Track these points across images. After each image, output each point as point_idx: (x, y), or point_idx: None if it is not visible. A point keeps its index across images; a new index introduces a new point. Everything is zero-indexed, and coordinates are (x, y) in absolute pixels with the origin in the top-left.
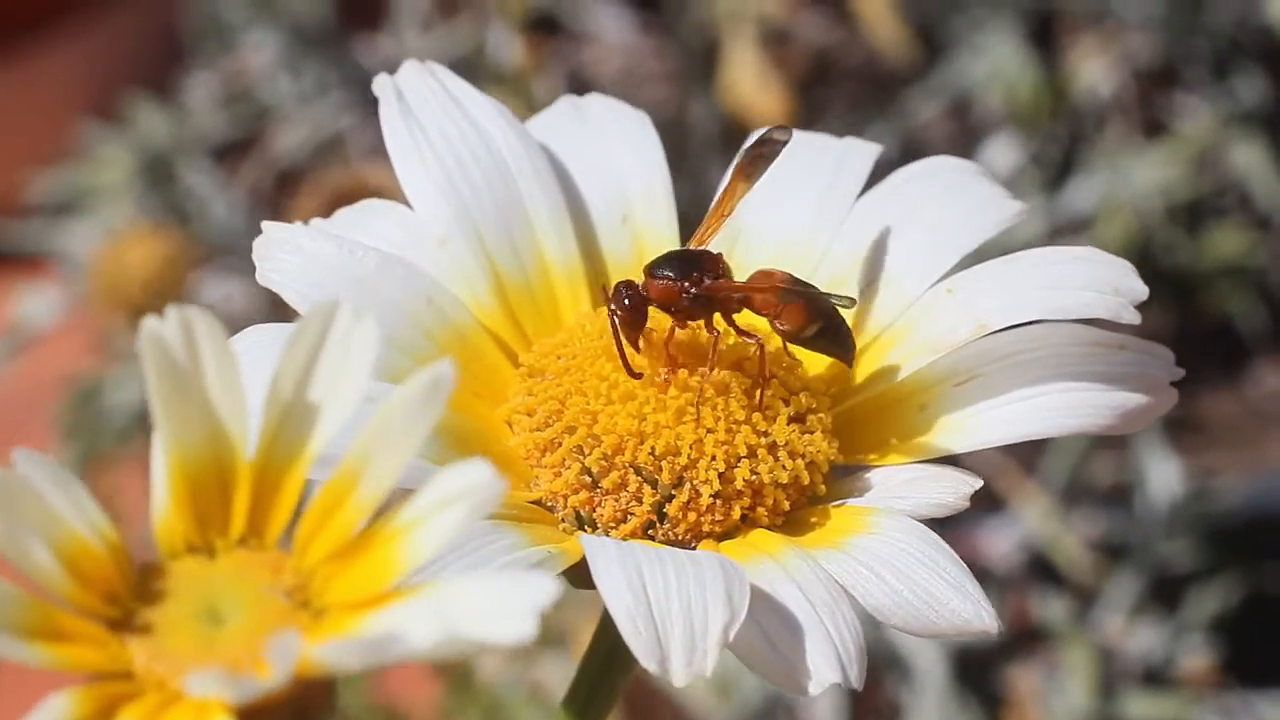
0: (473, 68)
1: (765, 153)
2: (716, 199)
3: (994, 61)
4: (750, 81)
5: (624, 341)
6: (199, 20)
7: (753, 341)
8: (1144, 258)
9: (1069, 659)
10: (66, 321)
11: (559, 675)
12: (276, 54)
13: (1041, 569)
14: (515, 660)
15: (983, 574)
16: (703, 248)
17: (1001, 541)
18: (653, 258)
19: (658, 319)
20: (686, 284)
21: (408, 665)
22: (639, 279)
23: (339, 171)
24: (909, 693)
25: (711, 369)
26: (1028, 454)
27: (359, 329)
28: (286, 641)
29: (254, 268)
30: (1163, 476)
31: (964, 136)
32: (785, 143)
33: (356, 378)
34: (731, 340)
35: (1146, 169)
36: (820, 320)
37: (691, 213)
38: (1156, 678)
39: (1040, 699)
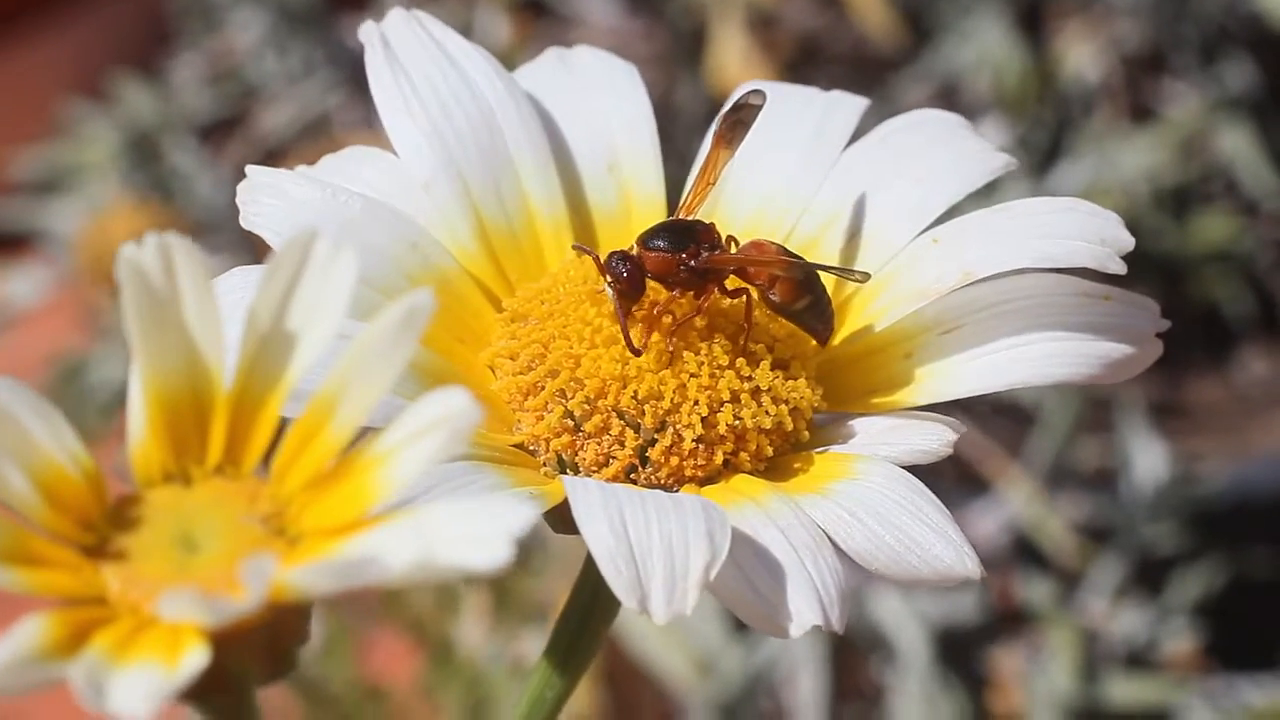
0: None
1: (743, 118)
2: (699, 167)
3: (982, 46)
4: (737, 65)
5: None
6: (185, 0)
7: (739, 299)
8: None
9: (1053, 641)
10: (51, 300)
11: (539, 650)
12: (263, 33)
13: (1026, 551)
14: (497, 634)
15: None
16: (694, 218)
17: (986, 524)
18: (639, 211)
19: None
20: (684, 256)
21: (390, 639)
22: (626, 231)
23: (324, 144)
24: (892, 673)
25: (696, 312)
26: (1013, 436)
27: (337, 259)
28: (261, 562)
29: (241, 245)
30: (1148, 460)
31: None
32: (761, 107)
33: (334, 307)
34: (725, 304)
35: (1133, 154)
36: (810, 295)
37: (679, 192)
38: (1140, 660)
39: (1023, 681)
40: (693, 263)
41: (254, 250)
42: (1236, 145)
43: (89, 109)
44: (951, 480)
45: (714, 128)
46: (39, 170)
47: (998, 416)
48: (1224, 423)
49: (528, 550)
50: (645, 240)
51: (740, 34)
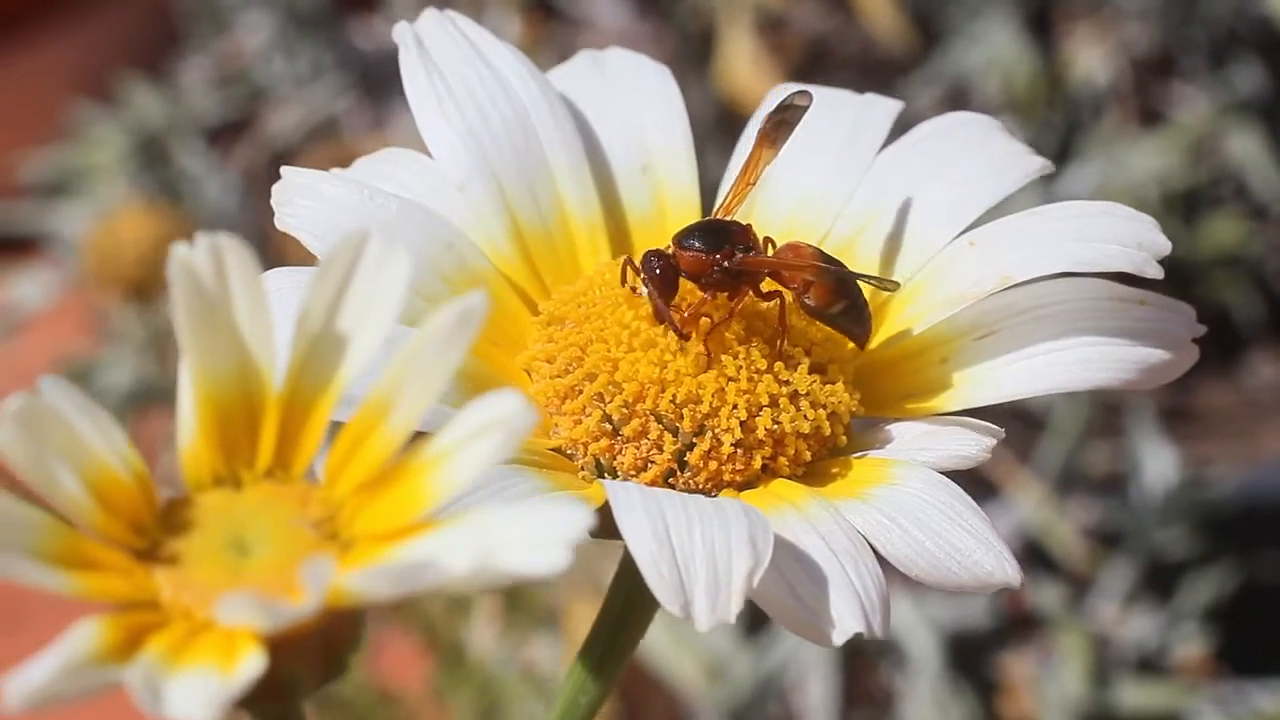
0: None
1: (788, 119)
2: (742, 166)
3: (991, 49)
4: (746, 68)
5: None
6: (193, 2)
7: (774, 301)
8: None
9: (1063, 646)
10: (59, 303)
11: (550, 655)
12: (271, 36)
13: (1036, 556)
14: (507, 639)
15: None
16: (731, 218)
17: (996, 528)
18: (674, 212)
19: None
20: (718, 256)
21: (400, 646)
22: (661, 232)
23: (333, 147)
24: (902, 678)
25: (731, 315)
26: (1023, 441)
27: (390, 258)
28: (320, 566)
29: (249, 247)
30: (1158, 465)
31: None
32: (807, 108)
33: (387, 308)
34: (762, 307)
35: (1143, 158)
36: (846, 299)
37: (709, 194)
38: (1150, 666)
39: (1034, 686)
40: (727, 264)
41: (264, 253)
42: (1246, 149)
43: (96, 111)
44: (962, 485)
45: (760, 126)
46: (47, 173)
47: (1008, 421)
48: (1233, 427)
49: None
50: (680, 239)
51: (749, 37)
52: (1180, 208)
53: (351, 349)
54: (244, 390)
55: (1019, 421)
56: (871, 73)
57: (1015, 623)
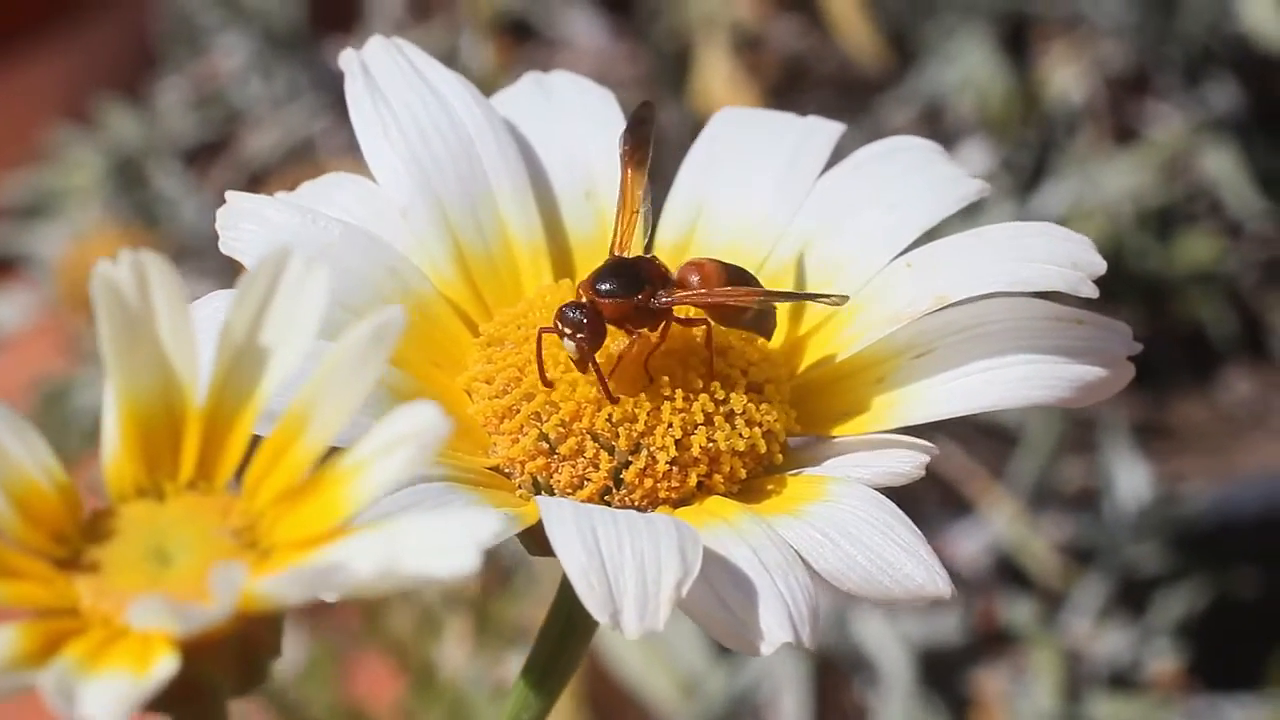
0: None
1: (643, 134)
2: (620, 196)
3: (966, 68)
4: (722, 87)
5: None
6: (171, 24)
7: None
8: (1115, 263)
9: (1036, 662)
10: (36, 324)
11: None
12: (248, 57)
13: (1009, 572)
14: (479, 657)
15: (950, 577)
16: (640, 255)
17: (969, 544)
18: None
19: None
20: (639, 298)
21: (373, 663)
22: (601, 256)
23: (308, 168)
24: (875, 695)
25: (656, 349)
26: (996, 457)
27: (310, 276)
28: (230, 571)
29: (225, 270)
30: (1131, 481)
31: (937, 142)
32: (653, 120)
33: (307, 324)
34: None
35: (1118, 175)
36: (751, 311)
37: (659, 214)
38: (1123, 681)
39: (1007, 702)
40: (650, 304)
41: (238, 274)
42: (1220, 166)
43: (74, 134)
44: (934, 501)
45: (619, 150)
46: (24, 195)
47: (981, 437)
48: (1208, 443)
49: (510, 573)
50: (595, 285)
51: (725, 57)
52: (1155, 225)
53: (272, 364)
54: (167, 404)
55: (992, 438)
56: (847, 92)
57: (988, 639)
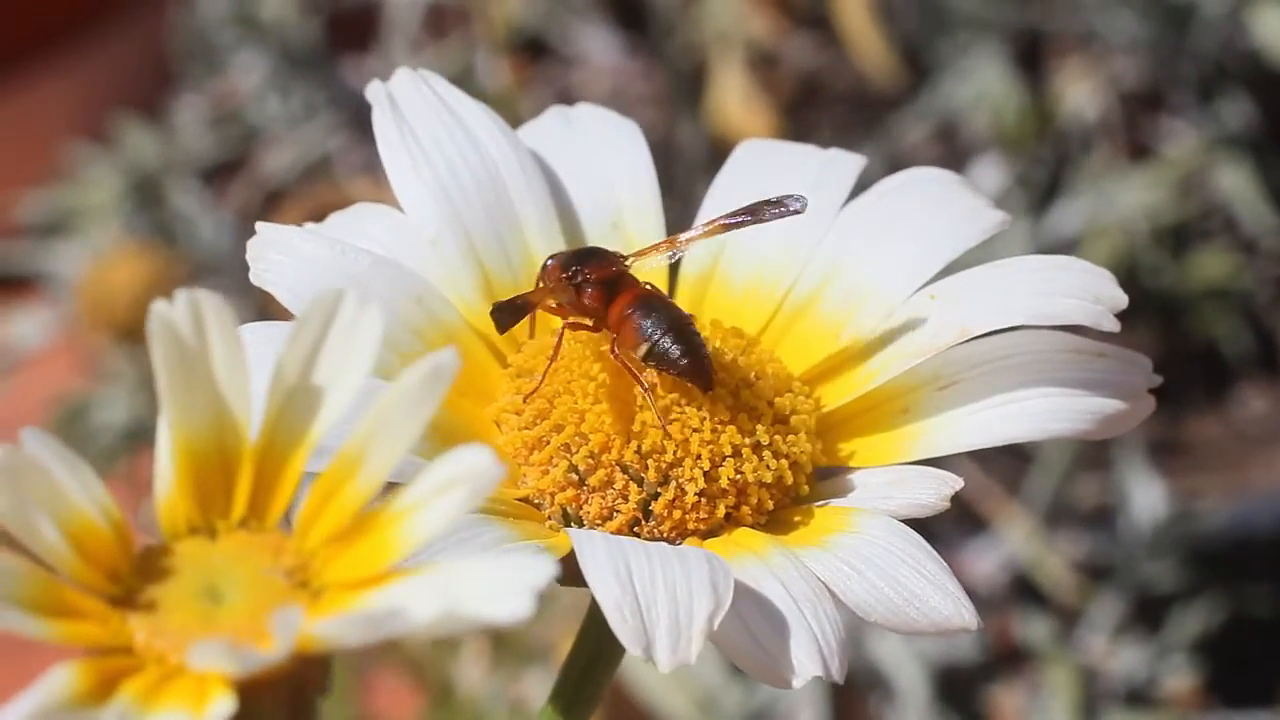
0: (460, 89)
1: (756, 218)
2: (701, 225)
3: (980, 85)
4: (738, 104)
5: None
6: (188, 43)
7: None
8: (1129, 280)
9: (1052, 679)
10: (55, 342)
11: (539, 690)
12: (265, 76)
13: (1025, 590)
14: (497, 674)
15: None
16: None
17: (985, 562)
18: (643, 266)
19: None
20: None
21: (391, 680)
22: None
23: (324, 188)
24: (891, 712)
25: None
26: (1011, 475)
27: (364, 317)
28: (289, 614)
29: (242, 288)
30: (1147, 498)
31: (951, 159)
32: (785, 215)
33: (360, 364)
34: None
35: (1132, 192)
36: (645, 342)
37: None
38: (1139, 698)
39: (1023, 719)
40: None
41: (257, 295)
42: (1235, 183)
43: (92, 152)
44: (950, 519)
45: (740, 211)
46: (43, 213)
47: (997, 455)
48: (1223, 460)
49: None
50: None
51: (740, 74)
52: (1169, 241)
53: (325, 403)
54: (220, 442)
55: (1008, 455)
56: (862, 108)
57: (1004, 656)
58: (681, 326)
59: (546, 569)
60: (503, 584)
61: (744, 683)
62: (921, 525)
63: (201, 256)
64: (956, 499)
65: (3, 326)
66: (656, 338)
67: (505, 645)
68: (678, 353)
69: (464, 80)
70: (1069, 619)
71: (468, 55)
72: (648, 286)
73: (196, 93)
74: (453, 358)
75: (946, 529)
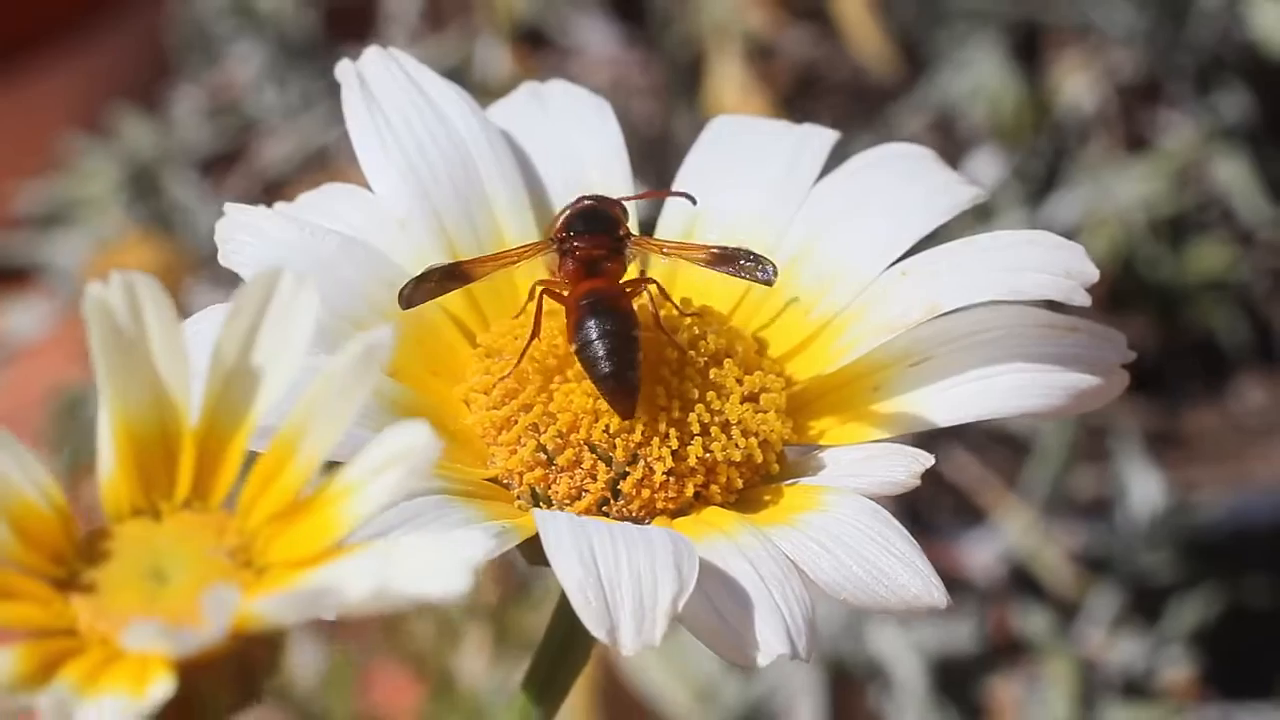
0: (460, 80)
1: (737, 265)
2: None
3: (978, 76)
4: (735, 96)
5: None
6: (185, 34)
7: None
8: (1127, 272)
9: (1050, 671)
10: (53, 333)
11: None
12: (262, 66)
13: (1022, 581)
14: (499, 665)
15: (964, 586)
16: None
17: (982, 554)
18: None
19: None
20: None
21: (391, 672)
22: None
23: (322, 178)
24: (890, 704)
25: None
26: (1008, 466)
27: (300, 295)
28: (222, 593)
29: (240, 279)
30: (1144, 490)
31: (948, 151)
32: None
33: (298, 343)
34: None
35: (1129, 184)
36: (577, 340)
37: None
38: (1137, 690)
39: (1021, 710)
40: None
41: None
42: (1232, 174)
43: (90, 143)
44: (948, 510)
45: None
46: (41, 204)
47: (994, 446)
48: (1221, 451)
49: (528, 582)
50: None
51: (738, 65)
52: (1167, 233)
53: (265, 384)
54: (161, 424)
55: (1005, 446)
56: (859, 100)
57: (1002, 647)
58: (622, 342)
59: (484, 546)
60: (439, 560)
61: (742, 674)
62: (918, 515)
63: (200, 247)
64: (953, 490)
65: (2, 317)
66: (590, 340)
67: (507, 637)
68: (605, 369)
69: (463, 71)
70: (1067, 610)
71: (466, 46)
72: (639, 274)
73: (194, 84)
74: (387, 336)
75: (944, 520)
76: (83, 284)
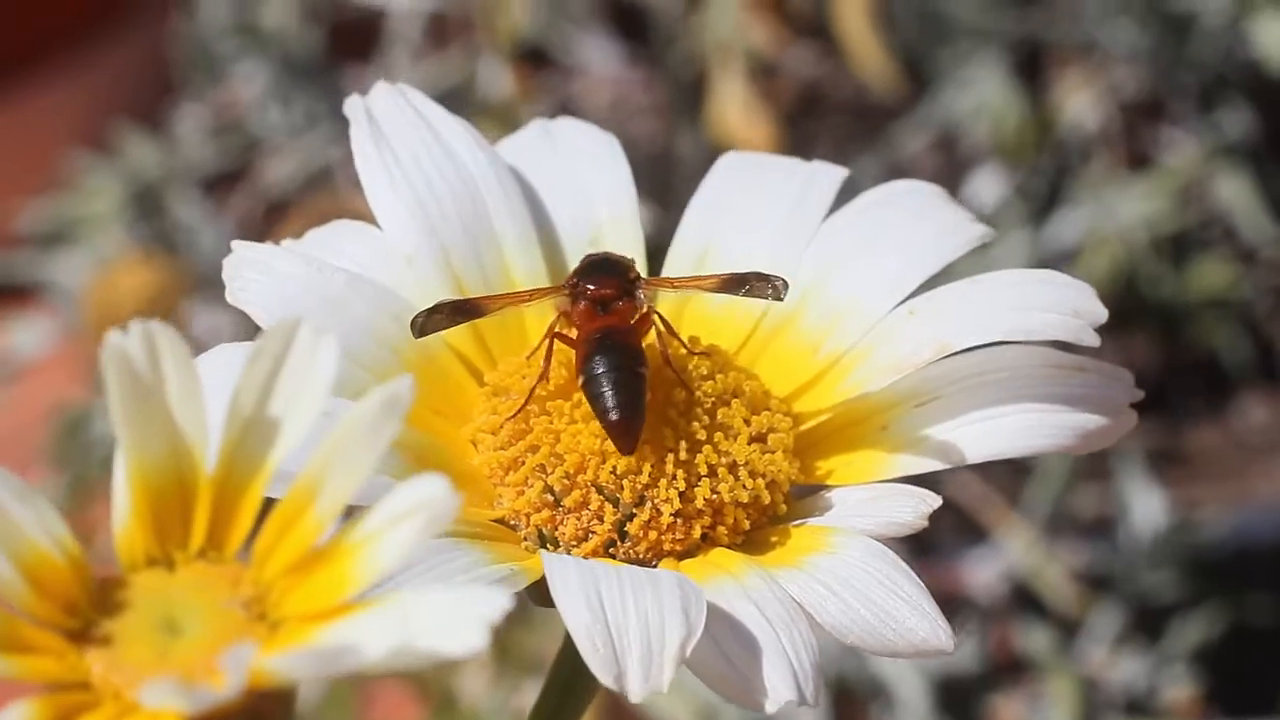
0: (463, 99)
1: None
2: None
3: (980, 95)
4: (738, 114)
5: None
6: (189, 52)
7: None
8: (1129, 290)
9: (1052, 689)
10: (56, 352)
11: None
12: (266, 85)
13: (1025, 600)
14: (500, 685)
15: (966, 605)
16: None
17: (984, 572)
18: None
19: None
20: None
21: (392, 691)
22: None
23: (326, 198)
24: None
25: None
26: (1011, 485)
27: (320, 346)
28: (240, 652)
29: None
30: (1146, 508)
31: (951, 169)
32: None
33: (316, 394)
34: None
35: (1132, 202)
36: (583, 373)
37: (665, 246)
38: (1139, 708)
39: None
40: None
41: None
42: (1234, 192)
43: (93, 161)
44: (950, 528)
45: (724, 281)
46: (44, 223)
47: (996, 466)
48: (1223, 470)
49: (529, 604)
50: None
51: (740, 84)
52: (1169, 251)
53: (283, 433)
54: (177, 473)
55: (1007, 466)
56: (862, 118)
57: (1004, 666)
58: (628, 377)
59: (500, 602)
60: (457, 618)
61: None
62: (920, 535)
63: (203, 267)
64: (956, 508)
65: (3, 336)
66: (595, 374)
67: (507, 657)
68: (609, 403)
69: (466, 90)
70: (1069, 629)
71: (469, 65)
72: (654, 316)
73: (198, 102)
74: (407, 386)
75: (946, 538)
76: (85, 303)
